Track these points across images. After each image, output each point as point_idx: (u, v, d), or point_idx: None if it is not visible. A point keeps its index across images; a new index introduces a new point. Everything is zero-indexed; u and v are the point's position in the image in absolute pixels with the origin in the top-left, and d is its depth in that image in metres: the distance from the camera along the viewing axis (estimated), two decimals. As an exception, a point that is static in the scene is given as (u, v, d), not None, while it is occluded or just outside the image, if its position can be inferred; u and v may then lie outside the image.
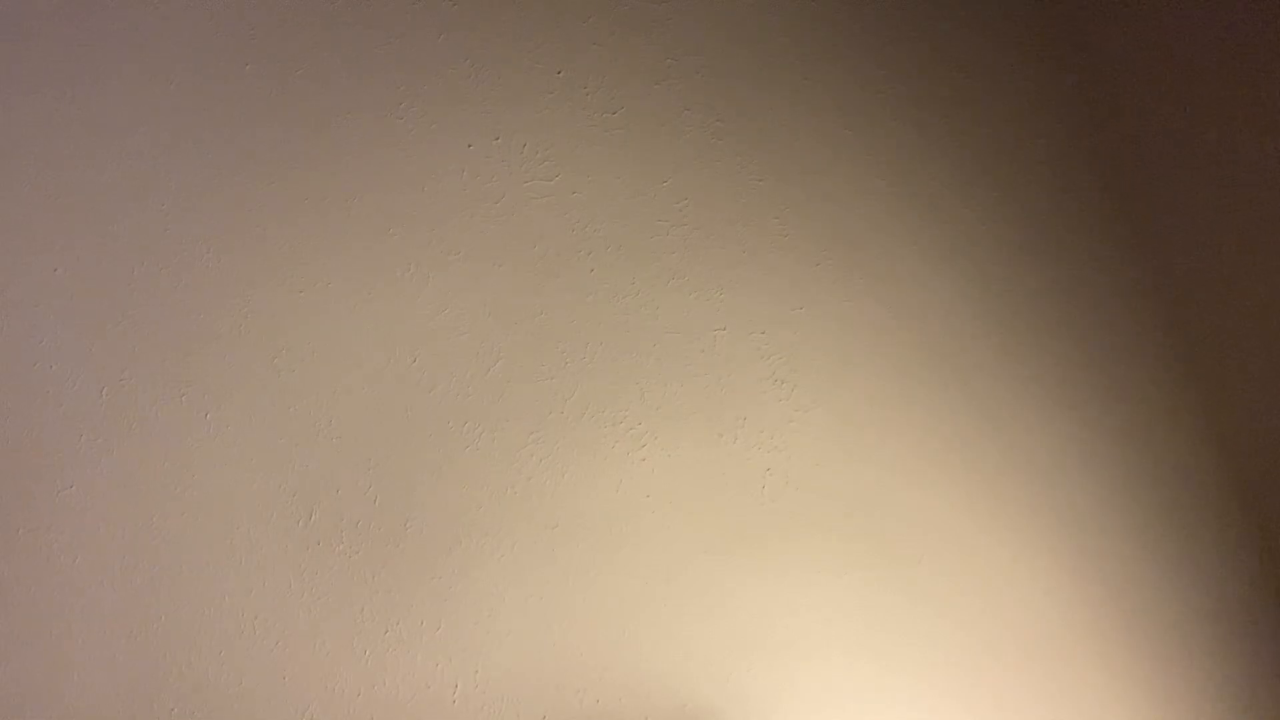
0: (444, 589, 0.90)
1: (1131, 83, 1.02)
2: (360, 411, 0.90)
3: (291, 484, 0.89)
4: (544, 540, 0.91)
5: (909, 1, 1.00)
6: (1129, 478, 1.00)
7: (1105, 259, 1.01)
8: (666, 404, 0.94)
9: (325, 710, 0.89)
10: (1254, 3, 1.04)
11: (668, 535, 0.93)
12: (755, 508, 0.94)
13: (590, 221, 0.94)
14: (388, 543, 0.90)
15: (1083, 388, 1.00)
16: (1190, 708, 0.99)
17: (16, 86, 0.87)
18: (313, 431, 0.90)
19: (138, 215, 0.88)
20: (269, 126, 0.89)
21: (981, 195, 0.99)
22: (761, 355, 0.96)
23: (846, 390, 0.96)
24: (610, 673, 0.90)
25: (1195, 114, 1.03)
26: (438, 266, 0.91)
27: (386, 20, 0.90)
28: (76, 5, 0.87)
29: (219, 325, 0.88)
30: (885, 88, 0.98)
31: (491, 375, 0.92)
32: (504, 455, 0.92)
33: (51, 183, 0.87)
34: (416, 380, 0.91)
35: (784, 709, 0.92)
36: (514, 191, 0.92)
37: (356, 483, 0.90)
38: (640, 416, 0.94)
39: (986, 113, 1.00)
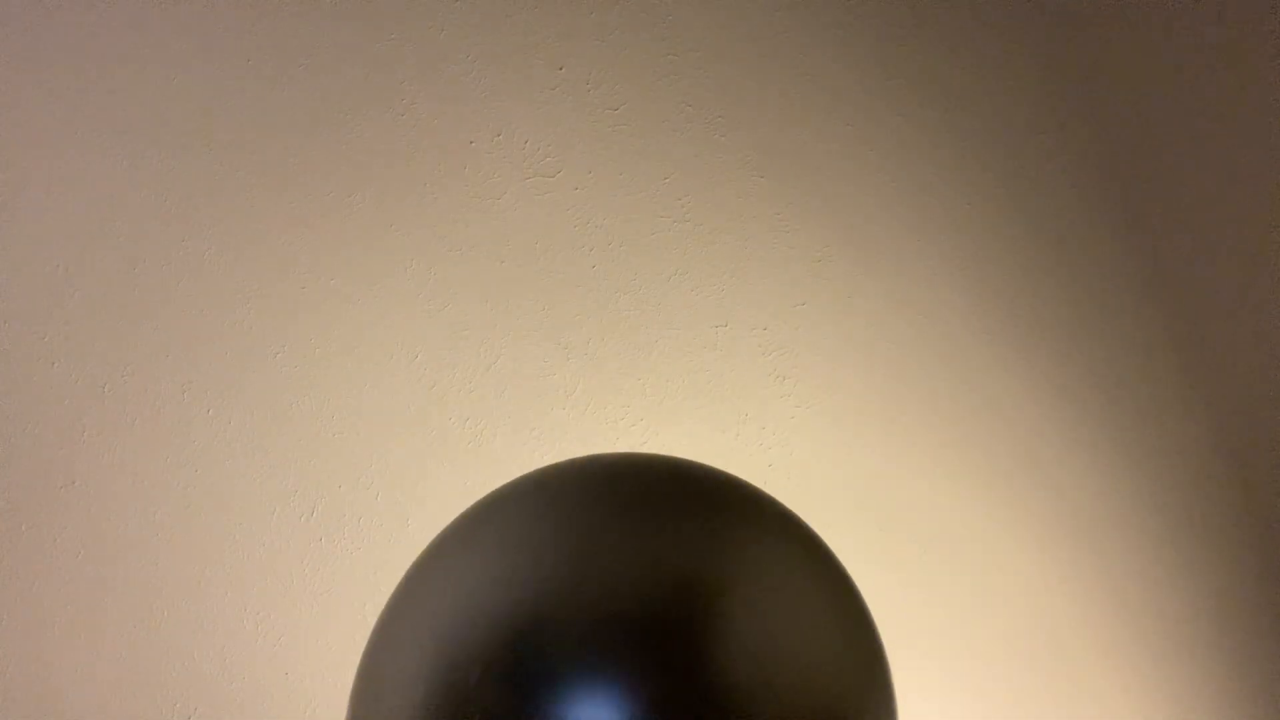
0: (446, 585, 0.90)
1: (1135, 78, 1.02)
2: (362, 407, 0.90)
3: (293, 480, 0.90)
4: (546, 536, 0.92)
5: (912, -4, 0.99)
6: (1133, 473, 1.00)
7: (1109, 256, 1.01)
8: (668, 400, 0.94)
9: (328, 705, 0.90)
10: (1256, 1, 1.03)
11: (669, 531, 0.93)
12: (757, 504, 0.94)
13: (592, 218, 0.93)
14: (390, 539, 0.91)
15: (1087, 385, 1.00)
16: (1193, 703, 0.99)
17: (16, 84, 0.87)
18: (314, 428, 0.90)
19: (138, 211, 0.88)
20: (269, 122, 0.89)
21: (984, 191, 0.99)
22: (763, 351, 0.96)
23: (849, 386, 0.96)
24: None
25: (1198, 110, 1.02)
26: (439, 262, 0.91)
27: (387, 17, 0.90)
28: (77, 3, 0.87)
29: (220, 321, 0.88)
30: (887, 84, 0.98)
31: (493, 371, 0.92)
32: (506, 451, 0.92)
33: (52, 180, 0.87)
34: (418, 376, 0.91)
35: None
36: (516, 188, 0.92)
37: (358, 479, 0.90)
38: (642, 412, 0.94)
39: (989, 109, 1.00)
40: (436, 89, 0.91)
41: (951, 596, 0.97)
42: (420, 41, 0.91)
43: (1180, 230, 1.02)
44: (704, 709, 0.39)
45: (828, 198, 0.97)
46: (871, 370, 0.97)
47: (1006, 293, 0.99)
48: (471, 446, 0.92)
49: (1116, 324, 1.00)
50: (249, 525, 0.89)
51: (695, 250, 0.95)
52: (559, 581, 0.42)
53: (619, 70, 0.93)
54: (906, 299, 0.97)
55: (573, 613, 0.41)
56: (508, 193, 0.92)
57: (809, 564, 0.48)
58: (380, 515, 0.91)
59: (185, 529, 0.88)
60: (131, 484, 0.88)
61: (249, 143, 0.89)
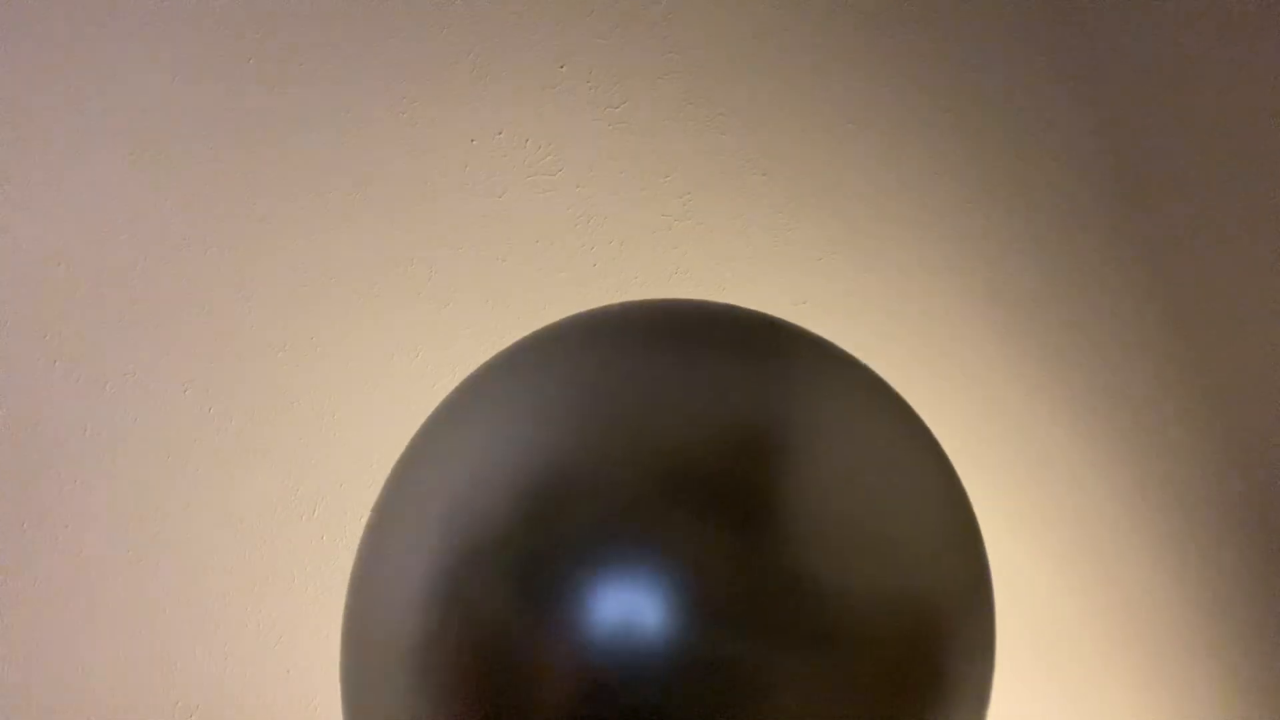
0: (447, 584, 0.91)
1: (1138, 77, 1.01)
2: (363, 406, 0.90)
3: (295, 478, 0.90)
4: (547, 535, 0.92)
5: (914, -7, 0.99)
6: (1136, 474, 1.00)
7: (1112, 255, 1.00)
8: (669, 399, 0.94)
9: (330, 703, 0.90)
10: (1263, -6, 1.03)
11: (670, 530, 0.93)
12: (758, 502, 0.94)
13: (593, 216, 0.93)
14: (391, 538, 0.91)
15: (1090, 385, 1.00)
16: (1193, 702, 0.99)
17: (16, 84, 0.87)
18: (316, 426, 0.90)
19: (140, 211, 0.88)
20: (270, 123, 0.89)
21: (987, 190, 0.99)
22: (765, 350, 0.95)
23: (850, 385, 0.96)
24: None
25: (1203, 109, 1.02)
26: (440, 261, 0.91)
27: (388, 15, 0.90)
28: (78, 4, 0.87)
29: (222, 321, 0.88)
30: (890, 82, 0.98)
31: (494, 370, 0.92)
32: (507, 450, 0.92)
33: (54, 180, 0.87)
34: (419, 375, 0.91)
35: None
36: (516, 186, 0.92)
37: (360, 477, 0.91)
38: (643, 411, 0.94)
39: (992, 107, 0.99)
40: (437, 87, 0.91)
41: (953, 595, 0.97)
42: (421, 40, 0.91)
43: (1187, 232, 1.02)
44: (770, 590, 0.30)
45: (829, 197, 0.96)
46: (874, 370, 0.97)
47: (1010, 292, 0.99)
48: (472, 445, 0.92)
49: (1123, 326, 1.00)
50: (249, 525, 0.89)
51: (696, 249, 0.95)
52: (593, 436, 0.32)
53: (620, 68, 0.93)
54: (909, 299, 0.97)
55: (610, 473, 0.31)
56: (509, 191, 0.92)
57: (895, 421, 0.35)
58: (381, 514, 0.91)
59: (186, 528, 0.88)
60: (132, 483, 0.88)
61: (249, 143, 0.89)
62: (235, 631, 0.89)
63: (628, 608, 0.29)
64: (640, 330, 0.37)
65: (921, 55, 0.99)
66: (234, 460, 0.89)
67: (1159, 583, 1.00)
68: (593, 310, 0.41)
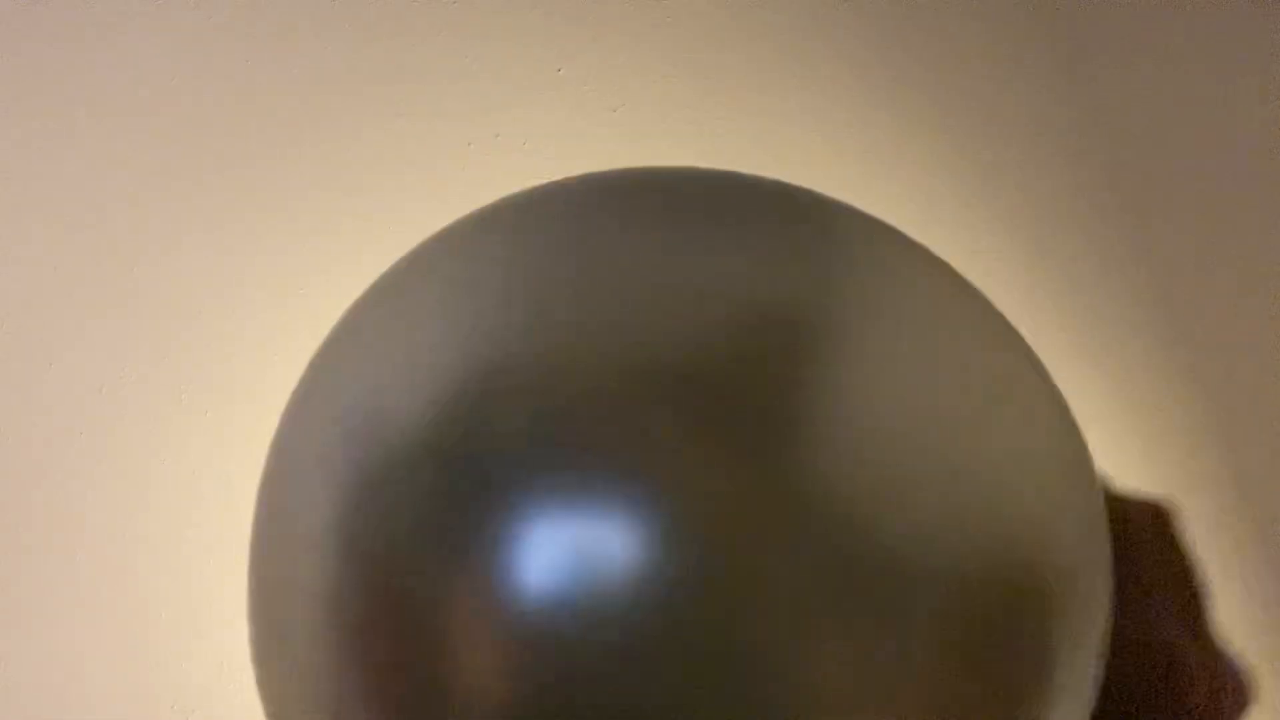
0: (444, 588, 0.90)
1: (1139, 77, 1.00)
2: (361, 409, 0.90)
3: (293, 481, 0.90)
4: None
5: (919, -7, 0.98)
6: (1136, 469, 0.99)
7: (1113, 258, 0.99)
8: (669, 402, 0.94)
9: (327, 706, 0.90)
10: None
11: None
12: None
13: (592, 219, 0.93)
14: (388, 541, 0.91)
15: (1091, 388, 0.99)
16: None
17: (13, 85, 0.87)
18: (314, 429, 0.90)
19: (136, 213, 0.88)
20: (267, 125, 0.89)
21: (988, 193, 0.98)
22: (765, 354, 0.95)
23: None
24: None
25: (1203, 109, 1.01)
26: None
27: (385, 18, 0.89)
28: (73, 3, 0.87)
29: (219, 323, 0.88)
30: (891, 86, 0.97)
31: (493, 373, 0.92)
32: (505, 454, 0.92)
33: (50, 180, 0.87)
34: (418, 378, 0.91)
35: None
36: (516, 189, 0.92)
37: (358, 480, 0.91)
38: (642, 415, 0.93)
39: (992, 110, 0.98)
40: (435, 91, 0.91)
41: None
42: (418, 43, 0.90)
43: (1187, 233, 1.01)
44: (793, 536, 0.21)
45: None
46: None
47: (1011, 297, 0.98)
48: (470, 449, 0.92)
49: (1124, 329, 0.99)
50: (247, 527, 0.89)
51: (696, 252, 0.94)
52: (546, 320, 0.24)
53: (618, 71, 0.93)
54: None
55: (566, 365, 0.23)
56: (508, 194, 0.92)
57: (971, 310, 0.26)
58: (379, 517, 0.91)
59: (184, 529, 0.88)
60: (129, 485, 0.88)
61: (247, 145, 0.89)
62: (233, 633, 0.89)
63: (579, 553, 0.20)
64: (629, 198, 0.27)
65: (922, 59, 0.98)
66: (231, 463, 0.89)
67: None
68: (578, 176, 0.31)
